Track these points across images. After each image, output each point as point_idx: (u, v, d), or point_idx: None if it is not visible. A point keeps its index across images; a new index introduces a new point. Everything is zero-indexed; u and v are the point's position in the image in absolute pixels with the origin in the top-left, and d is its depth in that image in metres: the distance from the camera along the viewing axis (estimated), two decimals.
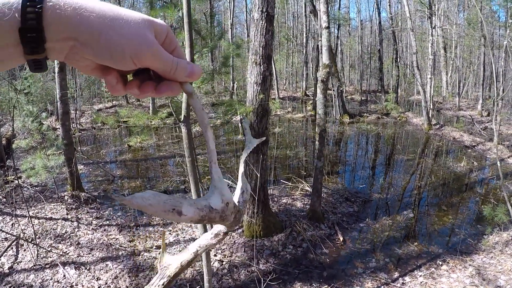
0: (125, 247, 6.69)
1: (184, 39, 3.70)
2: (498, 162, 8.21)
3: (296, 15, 38.16)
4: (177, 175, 10.71)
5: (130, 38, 0.47)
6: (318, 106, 7.47)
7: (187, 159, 4.35)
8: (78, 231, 7.30)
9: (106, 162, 12.44)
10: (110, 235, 7.17)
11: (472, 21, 27.48)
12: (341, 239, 7.08)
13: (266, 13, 6.09)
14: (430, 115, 19.45)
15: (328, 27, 7.43)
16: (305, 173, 11.13)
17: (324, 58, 7.37)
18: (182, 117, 4.19)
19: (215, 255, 6.44)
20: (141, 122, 5.95)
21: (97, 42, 0.46)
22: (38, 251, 6.43)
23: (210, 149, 0.68)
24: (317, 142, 7.57)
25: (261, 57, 6.22)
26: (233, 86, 20.73)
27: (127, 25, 0.47)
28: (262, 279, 5.63)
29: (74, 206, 8.24)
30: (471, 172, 12.22)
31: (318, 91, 7.39)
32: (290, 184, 9.66)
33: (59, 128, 9.07)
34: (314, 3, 18.02)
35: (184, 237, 7.10)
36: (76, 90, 20.04)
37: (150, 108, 20.03)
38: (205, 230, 4.69)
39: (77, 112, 19.39)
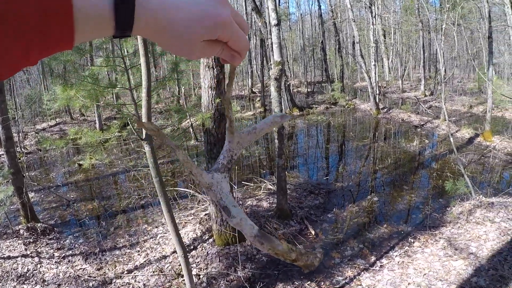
0: (95, 277, 6.27)
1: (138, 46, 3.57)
2: (451, 138, 8.56)
3: (242, 14, 38.25)
4: (134, 190, 10.35)
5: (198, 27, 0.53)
6: (273, 104, 7.45)
7: (154, 180, 4.18)
8: (40, 267, 6.72)
9: (58, 186, 11.70)
10: (76, 265, 6.70)
11: (408, 8, 28.48)
12: (313, 232, 7.11)
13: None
14: (377, 100, 19.98)
15: (278, 24, 7.40)
16: (264, 172, 11.14)
17: (276, 56, 7.33)
18: (144, 135, 4.01)
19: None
20: (93, 140, 5.64)
21: (168, 39, 0.53)
22: None
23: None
24: (276, 140, 7.55)
25: (213, 60, 6.09)
26: (179, 91, 20.42)
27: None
28: (247, 286, 5.55)
29: (31, 240, 7.62)
30: (424, 149, 12.67)
31: (272, 89, 7.36)
32: (252, 184, 9.59)
33: (3, 155, 8.43)
34: (257, 1, 18.06)
35: (155, 255, 6.80)
36: (16, 110, 19.00)
37: (97, 122, 19.32)
38: (180, 238, 4.57)
39: (20, 134, 18.08)
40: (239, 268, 6.17)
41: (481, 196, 7.67)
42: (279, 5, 33.41)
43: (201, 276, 6.06)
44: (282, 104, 20.76)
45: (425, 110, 19.00)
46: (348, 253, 6.41)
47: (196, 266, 6.34)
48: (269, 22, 8.00)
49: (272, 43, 7.66)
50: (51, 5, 0.41)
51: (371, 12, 21.22)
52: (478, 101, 20.50)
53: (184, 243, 6.55)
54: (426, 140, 13.85)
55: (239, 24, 0.58)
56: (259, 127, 0.93)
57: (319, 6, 28.87)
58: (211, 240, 7.05)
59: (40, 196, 10.70)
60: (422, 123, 16.64)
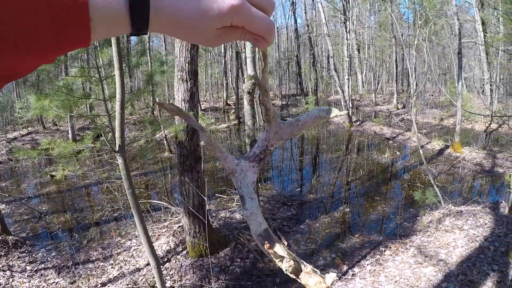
0: None
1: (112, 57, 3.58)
2: (420, 150, 8.78)
3: None
4: (108, 202, 10.19)
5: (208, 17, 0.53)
6: (246, 117, 7.51)
7: (127, 191, 4.12)
8: (12, 281, 6.52)
9: (29, 198, 11.36)
10: (48, 279, 6.54)
11: (383, 24, 29.16)
12: (286, 243, 7.14)
13: None
14: (350, 113, 20.27)
15: None
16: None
17: (249, 70, 7.40)
18: (116, 147, 3.96)
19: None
20: (66, 151, 5.52)
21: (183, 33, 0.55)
22: None
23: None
24: (248, 148, 7.61)
25: (187, 73, 6.13)
26: (153, 103, 20.28)
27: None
28: None
29: (2, 253, 7.40)
30: (395, 161, 12.92)
31: (245, 102, 7.43)
32: (225, 196, 9.56)
33: None
34: None
35: (128, 268, 6.70)
36: None
37: (69, 133, 18.88)
38: (152, 249, 4.55)
39: None
40: (213, 280, 6.14)
41: (450, 205, 7.88)
42: None
43: None
44: (256, 117, 20.97)
45: (397, 122, 19.38)
46: (321, 263, 6.48)
47: (170, 278, 6.28)
48: None
49: (246, 57, 7.71)
50: (68, 5, 0.43)
51: (346, 27, 21.56)
52: (449, 114, 21.03)
53: (158, 255, 6.52)
54: (397, 152, 14.13)
55: (257, 3, 0.57)
56: (302, 120, 0.90)
57: (295, 20, 29.29)
58: (184, 252, 6.98)
59: (11, 207, 10.38)
60: (394, 136, 16.97)
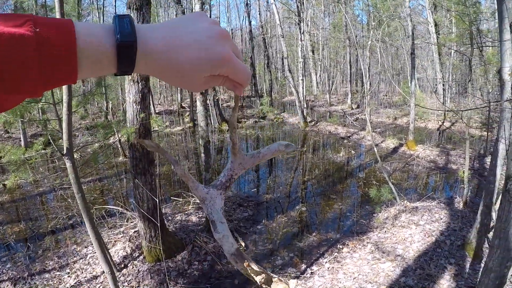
0: None
1: None
2: (375, 148, 8.90)
3: None
4: (62, 210, 9.82)
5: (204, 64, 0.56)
6: (199, 119, 7.40)
7: (76, 196, 4.03)
8: None
9: None
10: None
11: (337, 25, 29.60)
12: (243, 244, 7.08)
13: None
14: (305, 114, 20.45)
15: None
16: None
17: None
18: (64, 150, 3.83)
19: None
20: (15, 157, 5.47)
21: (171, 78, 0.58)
22: None
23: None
24: (202, 155, 7.48)
25: (138, 74, 5.92)
26: (107, 106, 19.78)
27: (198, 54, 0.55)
28: None
29: None
30: (350, 160, 13.08)
31: (198, 103, 7.33)
32: (181, 200, 9.41)
33: None
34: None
35: (85, 276, 6.50)
36: None
37: (22, 140, 18.12)
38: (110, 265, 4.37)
39: None
40: (171, 284, 6.05)
41: (405, 201, 8.02)
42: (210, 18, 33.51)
43: None
44: (211, 118, 20.84)
45: (352, 122, 19.70)
46: (279, 263, 6.43)
47: (128, 284, 6.14)
48: None
49: None
50: (56, 47, 0.44)
51: (300, 29, 21.74)
52: (403, 113, 21.55)
53: (115, 261, 6.57)
54: (352, 151, 14.32)
55: (237, 55, 0.60)
56: (263, 152, 0.99)
57: (250, 22, 29.27)
58: (141, 257, 6.83)
59: None
60: (348, 135, 17.23)
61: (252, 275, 0.85)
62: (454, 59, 21.45)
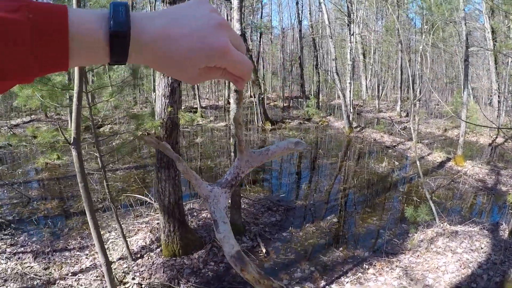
0: (40, 276, 6.19)
1: None
2: (417, 162, 8.32)
3: None
4: (95, 193, 9.94)
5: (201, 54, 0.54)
6: (231, 116, 7.17)
7: (80, 185, 4.00)
8: None
9: (22, 183, 11.40)
10: (24, 263, 6.64)
11: (389, 28, 28.66)
12: (264, 250, 6.78)
13: None
14: (350, 119, 19.86)
15: (241, 35, 7.13)
16: None
17: None
18: (71, 139, 3.74)
19: (133, 279, 6.03)
20: (46, 140, 5.79)
21: (165, 67, 0.56)
22: None
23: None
24: (232, 154, 7.26)
25: None
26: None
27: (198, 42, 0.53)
28: None
29: None
30: (392, 171, 12.43)
31: (231, 101, 7.15)
32: None
33: None
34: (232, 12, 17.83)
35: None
36: None
37: (69, 122, 18.62)
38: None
39: None
40: (183, 281, 5.95)
41: (445, 223, 7.43)
42: (261, 18, 33.38)
43: (143, 286, 5.88)
44: (255, 116, 20.64)
45: (399, 131, 18.89)
46: (298, 275, 6.09)
47: (140, 275, 6.14)
48: None
49: None
50: (48, 33, 0.44)
51: (349, 30, 21.21)
52: (454, 125, 20.51)
53: (132, 250, 6.72)
54: (396, 162, 13.66)
55: (237, 46, 0.58)
56: (272, 150, 0.95)
57: (300, 21, 28.82)
58: (158, 250, 6.82)
59: (2, 191, 10.60)
60: (394, 144, 16.52)
61: (251, 281, 0.81)
62: (511, 69, 20.15)
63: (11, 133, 17.71)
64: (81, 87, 3.91)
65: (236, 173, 0.94)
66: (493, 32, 20.27)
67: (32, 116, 23.40)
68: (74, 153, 3.82)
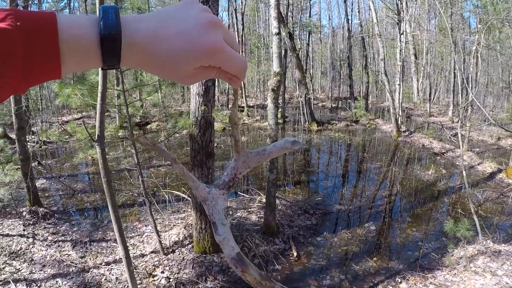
0: (76, 264, 6.51)
1: None
2: (464, 171, 7.94)
3: (267, 23, 37.71)
4: (136, 187, 10.26)
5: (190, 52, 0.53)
6: (269, 116, 7.08)
7: (103, 180, 4.05)
8: (33, 247, 7.06)
9: (68, 176, 12.07)
10: (63, 251, 6.99)
11: (443, 28, 27.60)
12: (295, 254, 6.71)
13: None
14: (399, 122, 19.33)
15: (278, 33, 7.04)
16: (265, 184, 10.71)
17: (275, 66, 6.97)
18: (96, 136, 3.79)
19: (162, 272, 6.17)
20: (84, 136, 6.10)
21: (158, 68, 0.55)
22: None
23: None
24: None
25: None
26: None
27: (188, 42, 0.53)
28: None
29: (31, 222, 8.03)
30: (439, 180, 11.96)
31: (269, 100, 7.01)
32: (247, 196, 9.27)
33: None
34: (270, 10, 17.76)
35: (135, 253, 6.87)
36: (41, 101, 19.53)
37: (117, 119, 19.17)
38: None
39: (43, 124, 19.01)
40: (210, 278, 6.03)
41: (489, 241, 7.02)
42: (309, 16, 33.02)
43: (170, 280, 6.00)
44: (301, 117, 20.48)
45: (449, 137, 18.16)
46: (327, 283, 5.97)
47: (169, 269, 6.29)
48: (271, 31, 7.68)
49: (272, 53, 7.26)
50: (38, 40, 0.43)
51: (399, 29, 20.60)
52: (508, 134, 19.52)
53: (165, 245, 6.95)
54: (443, 170, 13.13)
55: (230, 44, 0.57)
56: (268, 150, 0.94)
57: (348, 20, 28.29)
58: (190, 246, 6.96)
59: (50, 183, 11.17)
60: (443, 151, 15.90)
61: (252, 282, 0.82)
62: None
63: (62, 129, 18.42)
64: (105, 86, 3.98)
65: (233, 174, 0.94)
66: None
67: (83, 113, 24.27)
68: (98, 149, 3.91)
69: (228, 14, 32.46)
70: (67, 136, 15.02)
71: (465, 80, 10.23)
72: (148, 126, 18.51)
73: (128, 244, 6.93)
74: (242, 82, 0.65)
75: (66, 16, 0.47)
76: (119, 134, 8.37)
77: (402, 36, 20.42)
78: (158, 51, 0.51)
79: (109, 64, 0.50)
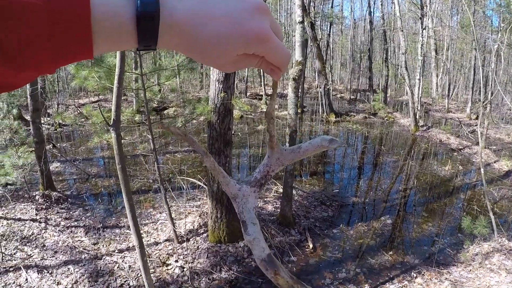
0: (89, 250, 6.47)
1: None
2: (482, 169, 7.85)
3: (289, 12, 37.46)
4: (152, 173, 10.24)
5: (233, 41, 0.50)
6: (288, 106, 7.03)
7: (117, 167, 4.03)
8: (45, 232, 7.02)
9: (83, 160, 12.01)
10: (76, 237, 6.94)
11: (465, 25, 27.23)
12: (311, 246, 6.69)
13: None
14: (417, 116, 19.14)
15: (302, 22, 6.98)
16: (282, 174, 10.66)
17: (297, 55, 6.89)
18: (111, 120, 3.75)
19: (176, 261, 6.14)
20: (99, 120, 5.88)
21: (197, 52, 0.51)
22: (2, 254, 6.18)
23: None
24: (287, 144, 7.13)
25: None
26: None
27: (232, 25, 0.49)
28: None
29: (44, 206, 7.95)
30: (455, 176, 11.87)
31: (289, 89, 6.95)
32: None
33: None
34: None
35: (148, 240, 6.81)
36: (58, 83, 19.52)
37: (134, 103, 19.25)
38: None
39: (59, 106, 18.95)
40: (225, 269, 5.99)
41: (504, 238, 6.97)
42: (331, 7, 32.69)
43: (184, 269, 5.97)
44: (320, 107, 20.40)
45: (467, 133, 18.00)
46: (342, 275, 5.96)
47: (183, 258, 6.25)
48: (294, 19, 7.61)
49: (295, 41, 7.18)
50: (69, 17, 0.41)
51: (421, 24, 20.35)
52: None
53: (179, 233, 6.87)
54: (460, 166, 13.02)
55: (276, 33, 0.54)
56: (304, 148, 0.91)
57: (370, 12, 27.99)
58: (205, 235, 6.90)
59: (64, 167, 11.11)
60: (460, 147, 15.73)
61: (283, 285, 0.79)
62: None
63: (78, 112, 18.48)
64: (122, 69, 3.88)
65: (266, 171, 0.91)
66: None
67: (100, 96, 23.92)
68: (113, 135, 3.83)
69: None
70: (83, 119, 15.02)
71: (485, 78, 10.04)
72: (166, 111, 18.49)
73: (142, 231, 6.91)
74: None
75: None
76: (135, 119, 8.32)
77: (424, 31, 20.16)
78: (200, 34, 0.48)
79: (145, 45, 0.48)
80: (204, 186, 8.58)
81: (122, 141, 12.81)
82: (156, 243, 6.69)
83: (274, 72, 0.59)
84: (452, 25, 31.79)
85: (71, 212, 7.87)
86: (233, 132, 6.82)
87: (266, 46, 0.52)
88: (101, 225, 7.36)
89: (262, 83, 26.34)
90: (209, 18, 0.48)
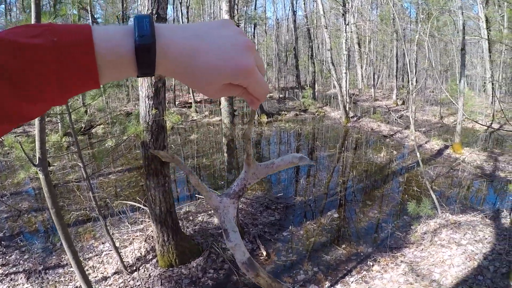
0: None
1: None
2: (417, 152, 8.09)
3: (212, 16, 37.30)
4: (87, 201, 9.60)
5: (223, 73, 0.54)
6: (223, 115, 6.89)
7: (51, 211, 3.64)
8: None
9: (12, 194, 10.90)
10: (17, 285, 6.29)
11: (384, 17, 28.54)
12: (265, 253, 6.52)
13: (156, 15, 5.31)
14: (347, 108, 19.70)
15: None
16: (222, 183, 10.44)
17: None
18: (36, 160, 3.38)
19: None
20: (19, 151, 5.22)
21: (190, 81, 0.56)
22: None
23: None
24: (225, 154, 6.95)
25: None
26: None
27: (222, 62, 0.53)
28: None
29: None
30: (391, 161, 12.23)
31: (222, 99, 6.78)
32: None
33: None
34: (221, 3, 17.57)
35: (96, 276, 6.34)
36: None
37: (60, 127, 18.25)
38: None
39: None
40: None
41: (447, 213, 7.21)
42: (255, 8, 33.08)
43: None
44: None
45: (396, 119, 18.71)
46: (301, 277, 5.83)
47: None
48: None
49: None
50: (74, 54, 0.44)
51: (344, 20, 21.03)
52: (449, 112, 20.37)
53: (127, 262, 6.41)
54: (394, 151, 13.45)
55: (259, 68, 0.58)
56: (276, 164, 1.01)
57: (294, 12, 28.60)
58: (154, 260, 6.50)
59: None
60: (391, 133, 16.30)
61: (263, 285, 0.86)
62: (505, 57, 20.03)
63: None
64: None
65: (243, 184, 0.99)
66: (487, 21, 20.50)
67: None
68: (41, 176, 3.43)
69: (173, 7, 31.99)
70: (6, 148, 13.73)
71: (408, 67, 10.50)
72: (93, 130, 17.69)
73: (87, 267, 6.53)
74: None
75: (100, 28, 0.48)
76: (63, 143, 7.78)
77: (347, 26, 20.81)
78: (194, 64, 0.52)
79: (144, 73, 0.51)
80: (144, 208, 8.21)
81: (51, 168, 12.01)
82: (105, 278, 6.24)
83: (253, 102, 0.62)
84: (373, 18, 33.20)
85: (7, 257, 7.15)
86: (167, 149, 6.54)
87: (250, 80, 0.55)
88: (41, 267, 6.72)
89: (191, 90, 26.00)
90: (202, 51, 0.52)
